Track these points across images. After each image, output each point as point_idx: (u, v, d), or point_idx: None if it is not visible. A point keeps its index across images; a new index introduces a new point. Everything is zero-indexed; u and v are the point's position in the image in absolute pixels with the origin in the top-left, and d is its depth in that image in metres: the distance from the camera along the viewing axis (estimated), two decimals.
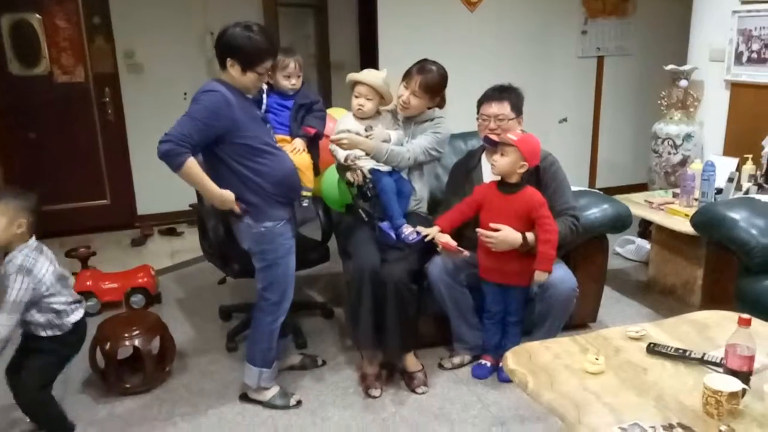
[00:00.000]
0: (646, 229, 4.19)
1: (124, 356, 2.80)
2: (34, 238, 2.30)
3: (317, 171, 2.74)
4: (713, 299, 3.09)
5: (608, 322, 3.17)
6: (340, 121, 2.82)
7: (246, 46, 2.33)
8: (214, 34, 2.42)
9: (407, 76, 2.82)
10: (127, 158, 4.95)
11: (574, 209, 2.76)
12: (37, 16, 4.59)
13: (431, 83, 2.78)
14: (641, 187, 4.46)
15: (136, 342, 2.74)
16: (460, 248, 2.62)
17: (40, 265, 2.25)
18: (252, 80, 2.39)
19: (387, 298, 2.60)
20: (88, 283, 3.51)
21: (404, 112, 2.86)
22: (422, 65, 2.81)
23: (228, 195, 2.38)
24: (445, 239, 2.63)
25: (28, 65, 4.64)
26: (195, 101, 2.31)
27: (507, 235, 2.55)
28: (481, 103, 2.82)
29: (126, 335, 2.74)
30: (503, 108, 2.74)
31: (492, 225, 2.57)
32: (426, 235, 2.64)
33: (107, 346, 2.70)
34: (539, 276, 2.57)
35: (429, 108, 2.88)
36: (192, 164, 2.27)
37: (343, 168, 2.75)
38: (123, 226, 4.97)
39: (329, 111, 3.01)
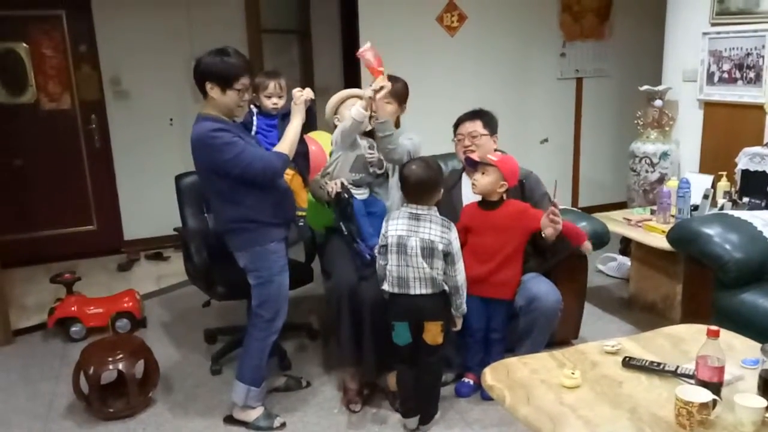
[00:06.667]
0: (626, 246, 4.25)
1: (108, 381, 2.80)
2: None
3: (306, 182, 2.80)
4: (692, 314, 3.12)
5: (590, 339, 3.18)
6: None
7: (219, 66, 2.41)
8: None
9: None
10: (113, 184, 4.98)
11: None
12: (24, 45, 4.64)
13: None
14: (622, 206, 4.53)
15: (120, 366, 2.74)
16: None
17: None
18: (233, 99, 2.45)
19: (364, 316, 2.63)
20: (73, 308, 3.51)
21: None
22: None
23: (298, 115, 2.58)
24: None
25: (15, 94, 4.68)
26: (212, 146, 2.39)
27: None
28: (456, 125, 2.98)
29: (109, 359, 2.74)
30: (476, 125, 2.88)
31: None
32: None
33: (90, 371, 2.70)
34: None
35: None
36: (279, 149, 2.48)
37: (317, 188, 2.81)
38: (110, 251, 4.97)
39: (312, 134, 3.04)
